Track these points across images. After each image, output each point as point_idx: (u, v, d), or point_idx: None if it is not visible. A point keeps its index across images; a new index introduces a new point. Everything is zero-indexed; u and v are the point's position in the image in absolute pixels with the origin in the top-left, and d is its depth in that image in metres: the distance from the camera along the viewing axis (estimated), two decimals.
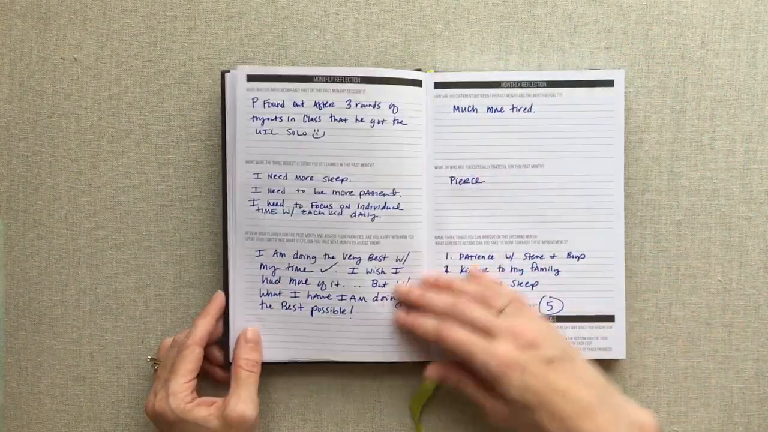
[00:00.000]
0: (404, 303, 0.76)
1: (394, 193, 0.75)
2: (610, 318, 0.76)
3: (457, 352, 0.71)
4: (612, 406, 0.68)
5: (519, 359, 0.68)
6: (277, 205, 0.76)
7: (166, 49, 0.79)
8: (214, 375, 0.78)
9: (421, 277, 0.76)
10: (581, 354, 0.72)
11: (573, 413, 0.67)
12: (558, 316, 0.76)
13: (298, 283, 0.76)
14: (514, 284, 0.77)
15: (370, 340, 0.76)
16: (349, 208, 0.75)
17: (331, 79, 0.75)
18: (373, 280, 0.76)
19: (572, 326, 0.76)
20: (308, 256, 0.76)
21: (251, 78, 0.75)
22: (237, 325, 0.76)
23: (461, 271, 0.77)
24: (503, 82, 0.76)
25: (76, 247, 0.80)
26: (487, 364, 0.69)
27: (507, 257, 0.77)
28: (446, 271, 0.77)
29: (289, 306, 0.76)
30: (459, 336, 0.70)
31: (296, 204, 0.76)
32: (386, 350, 0.76)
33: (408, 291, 0.75)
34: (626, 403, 0.69)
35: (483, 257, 0.77)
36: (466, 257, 0.77)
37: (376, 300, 0.76)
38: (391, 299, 0.76)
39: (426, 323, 0.73)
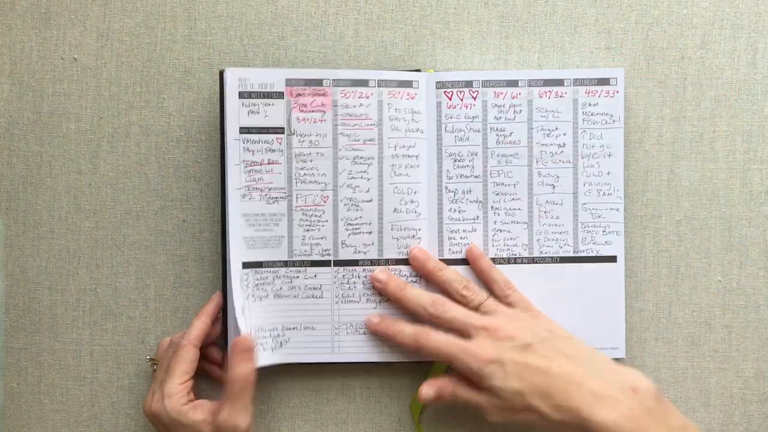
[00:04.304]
0: (380, 292, 0.76)
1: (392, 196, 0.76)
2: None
3: (437, 358, 0.72)
4: (599, 372, 0.69)
5: (496, 353, 0.70)
6: (274, 205, 0.76)
7: (166, 49, 0.79)
8: (212, 374, 0.78)
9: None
10: (566, 333, 0.73)
11: (559, 388, 0.68)
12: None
13: (297, 286, 0.76)
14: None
15: (370, 340, 0.76)
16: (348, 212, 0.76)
17: (317, 90, 0.75)
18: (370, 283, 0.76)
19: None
20: (306, 260, 0.76)
21: (243, 95, 0.75)
22: (235, 325, 0.76)
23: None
24: (502, 80, 0.76)
25: (76, 247, 0.80)
26: (469, 365, 0.70)
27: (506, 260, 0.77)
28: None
29: (290, 308, 0.76)
30: (437, 342, 0.72)
31: (294, 208, 0.76)
32: (386, 350, 0.76)
33: (387, 280, 0.75)
34: (618, 368, 0.70)
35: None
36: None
37: (376, 300, 0.76)
38: (388, 300, 0.76)
39: (403, 332, 0.74)
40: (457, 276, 0.75)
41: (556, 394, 0.68)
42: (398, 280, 0.75)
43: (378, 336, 0.76)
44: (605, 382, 0.68)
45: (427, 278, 0.76)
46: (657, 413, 0.67)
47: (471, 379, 0.71)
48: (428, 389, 0.73)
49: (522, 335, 0.71)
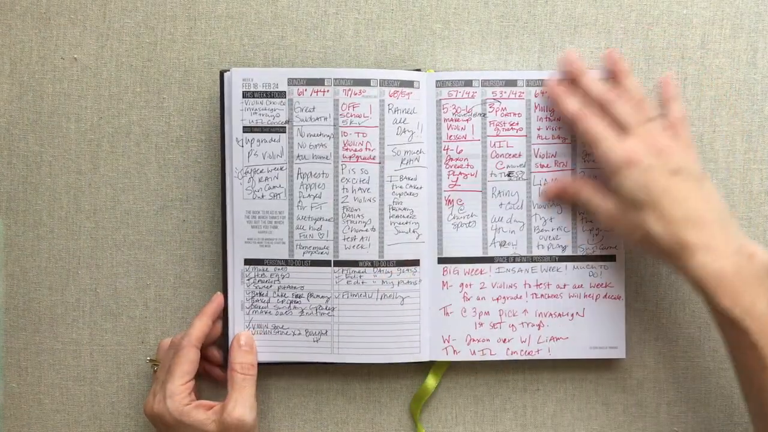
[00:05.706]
0: (564, 72, 0.75)
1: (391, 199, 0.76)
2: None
3: (585, 139, 0.72)
4: (726, 226, 0.68)
5: (643, 159, 0.69)
6: (276, 204, 0.76)
7: (166, 49, 0.79)
8: (213, 375, 0.78)
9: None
10: (711, 183, 0.71)
11: (683, 219, 0.67)
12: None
13: (297, 285, 0.76)
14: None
15: (370, 341, 0.76)
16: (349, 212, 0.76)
17: (318, 89, 0.75)
18: (374, 282, 0.76)
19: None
20: (306, 259, 0.76)
21: (246, 95, 0.75)
22: (236, 326, 0.76)
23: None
24: (500, 80, 0.77)
25: (76, 247, 0.80)
26: (609, 154, 0.70)
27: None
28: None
29: (290, 307, 0.76)
30: (594, 125, 0.72)
31: (295, 207, 0.76)
32: (386, 351, 0.76)
33: (573, 60, 0.75)
34: (741, 232, 0.69)
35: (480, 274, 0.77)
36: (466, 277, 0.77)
37: (378, 300, 0.76)
38: (391, 297, 0.76)
39: (571, 102, 0.74)
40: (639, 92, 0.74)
41: (675, 223, 0.67)
42: (582, 65, 0.75)
43: (386, 335, 0.76)
44: (726, 237, 0.67)
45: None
46: (765, 285, 0.65)
47: (604, 170, 0.71)
48: (550, 189, 0.76)
49: (676, 159, 0.69)
